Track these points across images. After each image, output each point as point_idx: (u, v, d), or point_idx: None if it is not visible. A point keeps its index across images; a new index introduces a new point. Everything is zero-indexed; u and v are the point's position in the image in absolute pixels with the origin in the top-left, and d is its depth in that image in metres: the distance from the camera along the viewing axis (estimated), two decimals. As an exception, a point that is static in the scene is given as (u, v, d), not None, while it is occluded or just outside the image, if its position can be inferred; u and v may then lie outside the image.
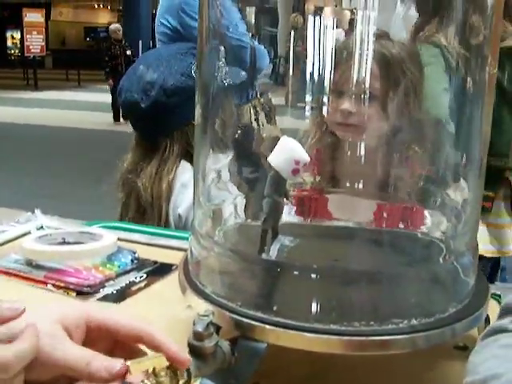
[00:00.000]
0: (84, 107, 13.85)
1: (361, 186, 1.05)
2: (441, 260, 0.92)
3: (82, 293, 1.13)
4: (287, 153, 0.88)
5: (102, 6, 33.01)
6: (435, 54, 1.21)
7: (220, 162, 1.01)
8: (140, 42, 19.97)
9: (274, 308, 0.80)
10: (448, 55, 1.06)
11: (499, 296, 1.13)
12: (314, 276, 0.83)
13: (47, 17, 23.02)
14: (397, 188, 1.06)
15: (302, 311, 0.80)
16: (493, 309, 0.96)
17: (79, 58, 21.66)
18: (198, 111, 0.97)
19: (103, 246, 1.28)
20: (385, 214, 1.07)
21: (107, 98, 11.97)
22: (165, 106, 1.69)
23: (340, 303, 0.82)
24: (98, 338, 0.71)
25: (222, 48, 0.99)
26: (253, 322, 0.79)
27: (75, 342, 0.67)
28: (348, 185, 1.10)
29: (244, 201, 1.03)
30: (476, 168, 0.92)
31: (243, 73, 1.10)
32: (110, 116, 11.52)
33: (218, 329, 0.80)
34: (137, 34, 19.90)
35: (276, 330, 0.78)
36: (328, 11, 0.98)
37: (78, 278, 1.16)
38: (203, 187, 0.97)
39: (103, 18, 33.13)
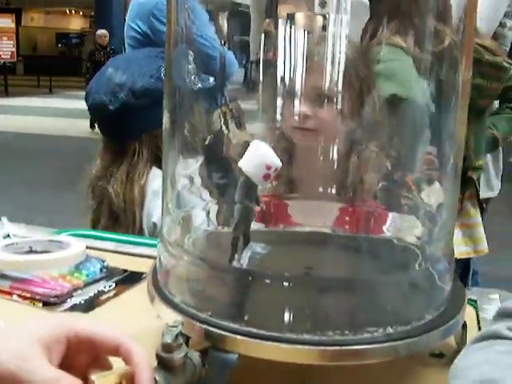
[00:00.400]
0: (56, 114, 13.74)
1: (321, 190, 1.04)
2: (416, 266, 0.91)
3: (49, 303, 1.10)
4: (258, 158, 0.86)
5: (74, 11, 32.76)
6: (399, 52, 1.20)
7: (189, 168, 0.98)
8: (112, 47, 19.94)
9: (246, 318, 0.78)
10: (411, 56, 1.05)
11: (475, 302, 1.12)
12: (286, 284, 0.80)
13: (18, 22, 22.83)
14: (362, 192, 1.05)
15: (274, 321, 0.78)
16: (469, 315, 0.95)
17: (51, 64, 21.50)
18: (165, 115, 0.94)
19: (71, 255, 1.24)
20: (347, 218, 1.06)
21: (79, 104, 11.84)
22: (133, 108, 1.66)
23: (313, 312, 0.79)
24: (79, 350, 0.70)
25: (191, 52, 0.97)
26: (223, 333, 0.77)
27: (55, 358, 0.67)
28: (307, 189, 1.09)
29: (215, 207, 1.00)
30: (451, 171, 0.91)
31: (211, 78, 1.08)
32: (82, 122, 11.41)
33: (187, 340, 0.78)
34: (109, 39, 19.87)
35: (247, 340, 0.75)
36: (300, 16, 0.97)
37: (45, 288, 1.13)
38: (172, 193, 0.94)
39: (75, 23, 32.96)
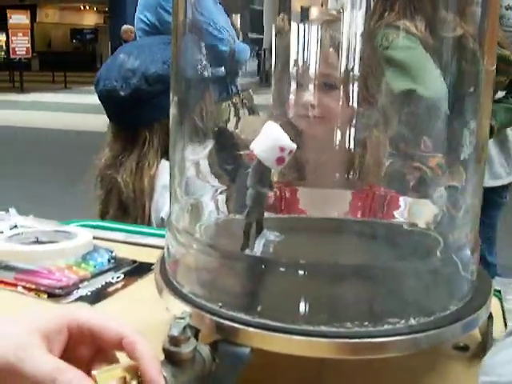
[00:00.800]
0: (71, 109, 13.74)
1: (332, 177, 1.00)
2: (438, 254, 0.86)
3: (54, 295, 1.06)
4: (271, 140, 0.81)
5: (88, 7, 32.90)
6: (413, 40, 1.16)
7: (198, 153, 0.94)
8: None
9: (258, 309, 0.73)
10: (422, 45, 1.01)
11: (499, 292, 1.07)
12: (301, 273, 0.75)
13: (33, 18, 22.91)
14: (375, 177, 1.00)
15: (288, 312, 0.73)
16: (494, 306, 0.90)
17: (65, 60, 21.57)
18: (173, 101, 0.90)
19: (78, 245, 1.20)
20: (359, 204, 1.01)
21: (94, 99, 11.83)
22: (145, 95, 1.62)
23: (331, 302, 0.75)
24: (82, 342, 0.66)
25: (199, 41, 0.93)
26: (235, 325, 0.72)
27: (56, 349, 0.64)
28: (318, 177, 1.05)
29: (225, 193, 0.96)
30: (475, 153, 0.86)
31: (222, 67, 1.04)
32: (98, 118, 11.40)
33: (196, 332, 0.73)
34: (124, 35, 19.91)
35: (260, 332, 0.71)
36: (314, 10, 0.93)
37: (50, 279, 1.09)
38: (180, 179, 0.90)
39: (89, 19, 33.11)
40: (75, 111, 13.27)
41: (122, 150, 1.67)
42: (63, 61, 21.40)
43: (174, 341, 0.68)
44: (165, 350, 0.68)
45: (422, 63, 1.26)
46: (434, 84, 1.03)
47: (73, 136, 10.06)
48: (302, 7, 0.92)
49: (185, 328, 0.69)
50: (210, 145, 0.95)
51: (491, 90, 0.88)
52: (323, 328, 0.71)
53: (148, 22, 2.80)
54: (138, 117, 1.64)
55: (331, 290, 0.76)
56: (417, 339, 0.72)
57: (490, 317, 0.85)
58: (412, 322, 0.73)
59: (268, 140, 0.81)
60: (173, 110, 0.90)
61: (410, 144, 1.02)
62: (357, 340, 0.70)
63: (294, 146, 0.81)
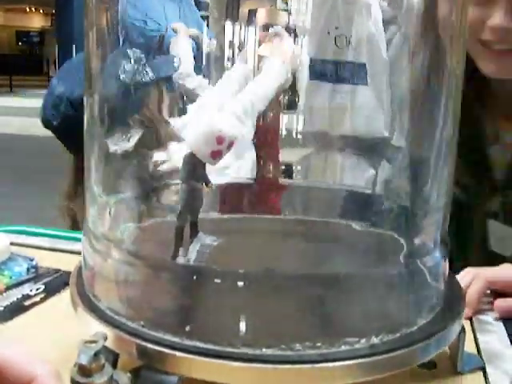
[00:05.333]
0: (16, 113, 13.47)
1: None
2: (401, 259, 0.74)
3: (-41, 312, 0.92)
4: (206, 127, 0.68)
5: (34, 9, 32.42)
6: None
7: (121, 145, 0.80)
8: (74, 46, 19.73)
9: (188, 328, 0.60)
10: None
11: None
12: (241, 284, 0.62)
13: (-24, 20, 22.51)
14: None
15: (225, 332, 0.61)
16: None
17: (11, 63, 21.23)
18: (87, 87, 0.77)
19: (-11, 253, 1.06)
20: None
21: (40, 103, 11.62)
22: (74, 121, 1.50)
23: (276, 320, 0.62)
24: None
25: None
26: (160, 348, 0.59)
27: None
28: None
29: (153, 191, 0.83)
30: (443, 141, 0.75)
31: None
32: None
33: (114, 358, 0.61)
34: (70, 37, 19.64)
35: (190, 358, 0.58)
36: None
37: (-45, 293, 0.94)
38: (98, 176, 0.76)
39: (36, 21, 32.66)
40: (20, 115, 13.01)
41: (74, 179, 1.57)
42: (8, 64, 21.02)
43: (83, 370, 0.55)
44: (73, 382, 0.56)
45: None
46: None
47: (19, 139, 9.85)
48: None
49: (97, 354, 0.56)
50: (136, 135, 0.82)
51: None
52: (267, 351, 0.58)
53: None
54: (73, 144, 1.53)
55: (276, 305, 0.64)
56: (380, 361, 0.61)
57: (463, 329, 0.74)
58: (374, 340, 0.62)
59: (201, 127, 0.68)
60: (87, 94, 0.76)
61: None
62: (308, 365, 0.58)
63: (237, 135, 0.68)
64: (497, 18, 0.87)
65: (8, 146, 9.05)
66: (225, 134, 0.67)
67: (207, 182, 0.71)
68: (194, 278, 0.65)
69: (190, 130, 0.69)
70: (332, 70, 0.92)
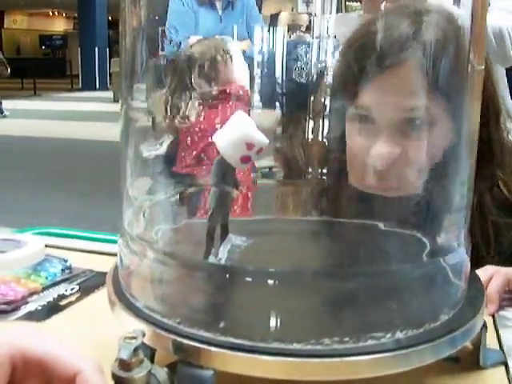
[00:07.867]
0: (40, 116, 13.54)
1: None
2: (425, 258, 0.76)
3: (-1, 311, 0.95)
4: (238, 134, 0.71)
5: (57, 13, 32.61)
6: None
7: (153, 149, 0.84)
8: (96, 48, 19.87)
9: (222, 325, 0.63)
10: None
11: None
12: (271, 283, 0.66)
13: (0, 25, 22.66)
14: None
15: (257, 328, 0.64)
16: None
17: (35, 67, 21.35)
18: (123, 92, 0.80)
19: (26, 255, 1.10)
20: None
21: (64, 106, 11.70)
22: None
23: (305, 316, 0.65)
24: (30, 374, 0.55)
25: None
26: (195, 344, 0.62)
27: None
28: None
29: (186, 194, 0.86)
30: (465, 141, 0.77)
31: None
32: (67, 124, 11.21)
33: (152, 353, 0.64)
34: (93, 41, 19.82)
35: (224, 352, 0.61)
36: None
37: (-6, 293, 0.98)
38: (133, 180, 0.79)
39: (58, 25, 32.85)
40: (44, 118, 13.10)
41: None
42: (32, 67, 21.14)
43: (123, 365, 0.59)
44: (114, 376, 0.59)
45: None
46: None
47: (41, 143, 9.90)
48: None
49: (136, 349, 0.59)
50: (167, 140, 0.85)
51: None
52: (297, 346, 0.61)
53: None
54: None
55: (306, 302, 0.67)
56: (405, 355, 0.63)
57: (485, 325, 0.76)
58: (399, 335, 0.64)
59: (233, 133, 0.72)
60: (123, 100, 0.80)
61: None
62: (336, 359, 0.61)
63: (266, 142, 0.72)
64: (378, 147, 0.91)
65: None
66: (254, 140, 0.71)
67: (237, 186, 0.75)
68: (227, 276, 0.69)
69: (221, 136, 0.72)
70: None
